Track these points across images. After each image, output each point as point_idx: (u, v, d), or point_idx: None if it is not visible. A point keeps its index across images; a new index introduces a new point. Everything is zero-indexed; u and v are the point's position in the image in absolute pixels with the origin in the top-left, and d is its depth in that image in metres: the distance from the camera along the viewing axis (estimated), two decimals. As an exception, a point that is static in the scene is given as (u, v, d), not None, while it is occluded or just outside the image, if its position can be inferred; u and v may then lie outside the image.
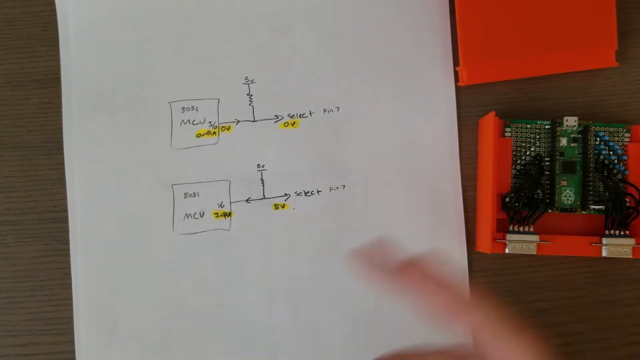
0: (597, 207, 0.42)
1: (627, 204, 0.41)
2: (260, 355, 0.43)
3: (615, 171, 0.42)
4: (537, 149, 0.43)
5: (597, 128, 0.43)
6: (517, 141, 0.43)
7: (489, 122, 0.41)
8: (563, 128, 0.42)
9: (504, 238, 0.41)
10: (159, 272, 0.43)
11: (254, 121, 0.44)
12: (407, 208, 0.44)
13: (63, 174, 0.44)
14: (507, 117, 0.43)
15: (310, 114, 0.44)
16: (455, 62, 0.44)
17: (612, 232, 0.41)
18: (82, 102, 0.44)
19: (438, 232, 0.43)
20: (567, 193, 0.42)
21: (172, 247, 0.44)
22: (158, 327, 0.43)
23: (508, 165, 0.43)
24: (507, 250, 0.41)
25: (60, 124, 0.44)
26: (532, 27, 0.42)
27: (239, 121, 0.45)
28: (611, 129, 0.43)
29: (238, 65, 0.45)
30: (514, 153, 0.43)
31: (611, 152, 0.42)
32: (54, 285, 0.44)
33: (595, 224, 0.42)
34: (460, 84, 0.44)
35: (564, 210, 0.42)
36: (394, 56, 0.45)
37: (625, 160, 0.42)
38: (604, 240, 0.41)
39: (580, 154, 0.43)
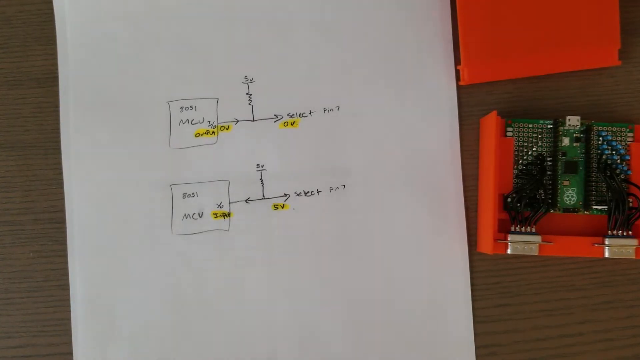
0: (599, 207, 0.42)
1: (630, 204, 0.41)
2: (259, 355, 0.43)
3: (618, 171, 0.42)
4: (539, 149, 0.42)
5: (600, 127, 0.42)
6: (519, 141, 0.43)
7: (491, 122, 0.41)
8: (565, 128, 0.42)
9: (505, 239, 0.41)
10: (157, 273, 0.43)
11: (254, 121, 0.44)
12: (407, 208, 0.43)
13: (60, 174, 0.44)
14: (509, 116, 0.43)
15: (310, 113, 0.44)
16: (457, 61, 0.44)
17: (614, 232, 0.41)
18: (80, 102, 0.44)
19: (439, 233, 0.43)
20: (570, 193, 0.42)
21: (170, 247, 0.43)
22: (156, 329, 0.43)
23: (510, 165, 0.42)
24: (508, 251, 0.41)
25: (58, 123, 0.44)
26: (534, 26, 0.42)
27: (238, 121, 0.44)
28: (614, 129, 0.42)
29: (237, 64, 0.44)
30: (516, 153, 0.42)
31: (614, 152, 0.42)
32: (51, 287, 0.43)
33: (597, 224, 0.42)
34: (461, 83, 0.43)
35: (566, 210, 0.42)
36: (395, 55, 0.44)
37: (628, 160, 0.42)
38: (607, 241, 0.40)
39: (582, 153, 0.42)
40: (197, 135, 0.44)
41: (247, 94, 0.44)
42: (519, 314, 0.43)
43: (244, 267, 0.43)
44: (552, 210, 0.42)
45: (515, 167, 0.42)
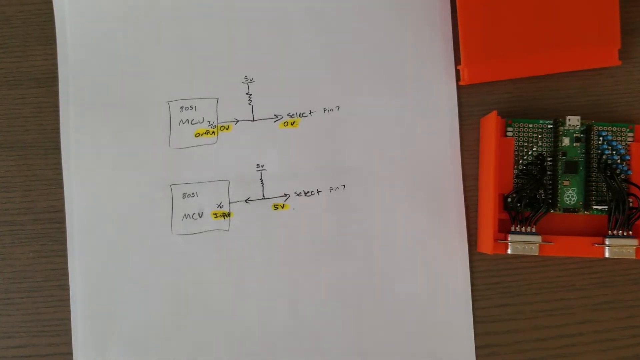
0: (599, 207, 0.42)
1: (630, 204, 0.41)
2: (259, 356, 0.42)
3: (618, 171, 0.42)
4: (540, 149, 0.42)
5: (600, 127, 0.42)
6: (519, 141, 0.42)
7: (491, 122, 0.41)
8: (565, 127, 0.42)
9: (505, 239, 0.41)
10: (157, 273, 0.43)
11: (254, 121, 0.44)
12: (407, 208, 0.43)
13: (60, 174, 0.44)
14: (509, 116, 0.43)
15: (310, 113, 0.44)
16: (457, 61, 0.44)
17: (615, 232, 0.41)
18: (80, 101, 0.44)
19: (439, 233, 0.43)
20: (570, 193, 0.42)
21: (170, 247, 0.43)
22: (156, 329, 0.43)
23: (510, 165, 0.42)
24: (509, 251, 0.41)
25: (58, 123, 0.44)
26: (534, 26, 0.41)
27: (238, 121, 0.44)
28: (614, 129, 0.42)
29: (237, 64, 0.44)
30: (516, 153, 0.42)
31: (614, 152, 0.42)
32: (51, 287, 0.43)
33: (597, 224, 0.42)
34: (461, 83, 0.43)
35: (566, 210, 0.42)
36: (395, 55, 0.44)
37: (628, 160, 0.42)
38: (607, 241, 0.40)
39: (582, 153, 0.42)
40: (197, 135, 0.44)
41: (247, 94, 0.44)
42: (519, 314, 0.43)
43: (244, 267, 0.43)
44: (552, 210, 0.42)
45: (515, 167, 0.42)
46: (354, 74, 0.44)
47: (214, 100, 0.44)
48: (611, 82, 0.44)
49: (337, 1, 0.45)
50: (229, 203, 0.44)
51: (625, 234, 0.41)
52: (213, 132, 0.44)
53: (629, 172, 0.42)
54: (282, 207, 0.43)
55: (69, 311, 0.43)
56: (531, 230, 0.41)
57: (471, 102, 0.44)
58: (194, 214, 0.43)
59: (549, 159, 0.42)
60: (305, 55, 0.44)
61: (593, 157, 0.42)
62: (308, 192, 0.44)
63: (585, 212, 0.42)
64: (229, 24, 0.45)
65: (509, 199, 0.41)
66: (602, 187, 0.42)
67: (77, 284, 0.43)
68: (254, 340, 0.43)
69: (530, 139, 0.42)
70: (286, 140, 0.44)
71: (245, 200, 0.44)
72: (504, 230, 0.42)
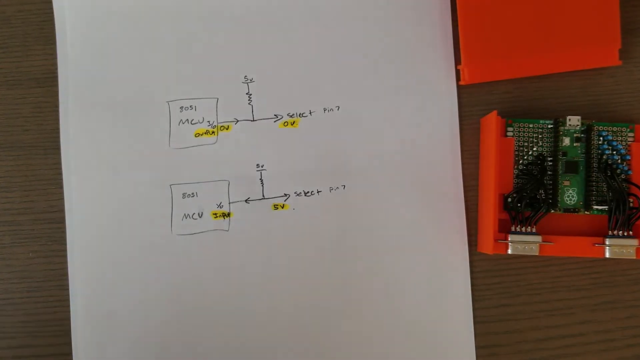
0: (600, 207, 0.42)
1: (631, 204, 0.41)
2: (259, 356, 0.42)
3: (618, 171, 0.42)
4: (540, 149, 0.42)
5: (600, 127, 0.42)
6: (519, 141, 0.42)
7: (491, 122, 0.41)
8: (566, 127, 0.42)
9: (506, 239, 0.41)
10: (157, 273, 0.43)
11: (253, 120, 0.44)
12: (407, 208, 0.43)
13: (60, 173, 0.44)
14: (509, 116, 0.43)
15: (310, 113, 0.44)
16: (457, 61, 0.44)
17: (615, 232, 0.41)
18: (79, 101, 0.44)
19: (439, 233, 0.43)
20: (570, 193, 0.42)
21: (170, 247, 0.43)
22: (156, 329, 0.43)
23: (510, 165, 0.42)
24: (509, 251, 0.40)
25: (57, 123, 0.44)
26: (534, 26, 0.41)
27: (238, 120, 0.44)
28: (614, 129, 0.42)
29: (237, 64, 0.44)
30: (516, 153, 0.42)
31: (614, 152, 0.42)
32: (50, 287, 0.43)
33: (598, 224, 0.42)
34: (461, 82, 0.43)
35: (566, 210, 0.42)
36: (395, 55, 0.44)
37: (629, 160, 0.42)
38: (607, 241, 0.40)
39: (583, 153, 0.42)
40: (197, 135, 0.44)
41: (247, 93, 0.44)
42: (519, 314, 0.43)
43: (244, 267, 0.43)
44: (552, 211, 0.42)
45: (515, 167, 0.42)
46: (353, 73, 0.44)
47: (213, 100, 0.44)
48: (611, 82, 0.44)
49: (336, 1, 0.45)
50: (229, 203, 0.44)
51: (625, 234, 0.40)
52: (213, 132, 0.44)
53: (629, 172, 0.42)
54: (282, 207, 0.43)
55: (69, 311, 0.43)
56: (531, 230, 0.41)
57: (471, 102, 0.44)
58: (194, 214, 0.43)
59: (549, 159, 0.42)
60: (305, 55, 0.44)
61: (593, 157, 0.42)
62: (308, 192, 0.44)
63: (586, 212, 0.42)
64: (229, 24, 0.45)
65: (509, 199, 0.41)
66: (603, 187, 0.42)
67: (77, 284, 0.43)
68: (254, 340, 0.43)
69: (531, 139, 0.42)
70: (286, 140, 0.44)
71: (245, 200, 0.44)
72: (504, 230, 0.41)
